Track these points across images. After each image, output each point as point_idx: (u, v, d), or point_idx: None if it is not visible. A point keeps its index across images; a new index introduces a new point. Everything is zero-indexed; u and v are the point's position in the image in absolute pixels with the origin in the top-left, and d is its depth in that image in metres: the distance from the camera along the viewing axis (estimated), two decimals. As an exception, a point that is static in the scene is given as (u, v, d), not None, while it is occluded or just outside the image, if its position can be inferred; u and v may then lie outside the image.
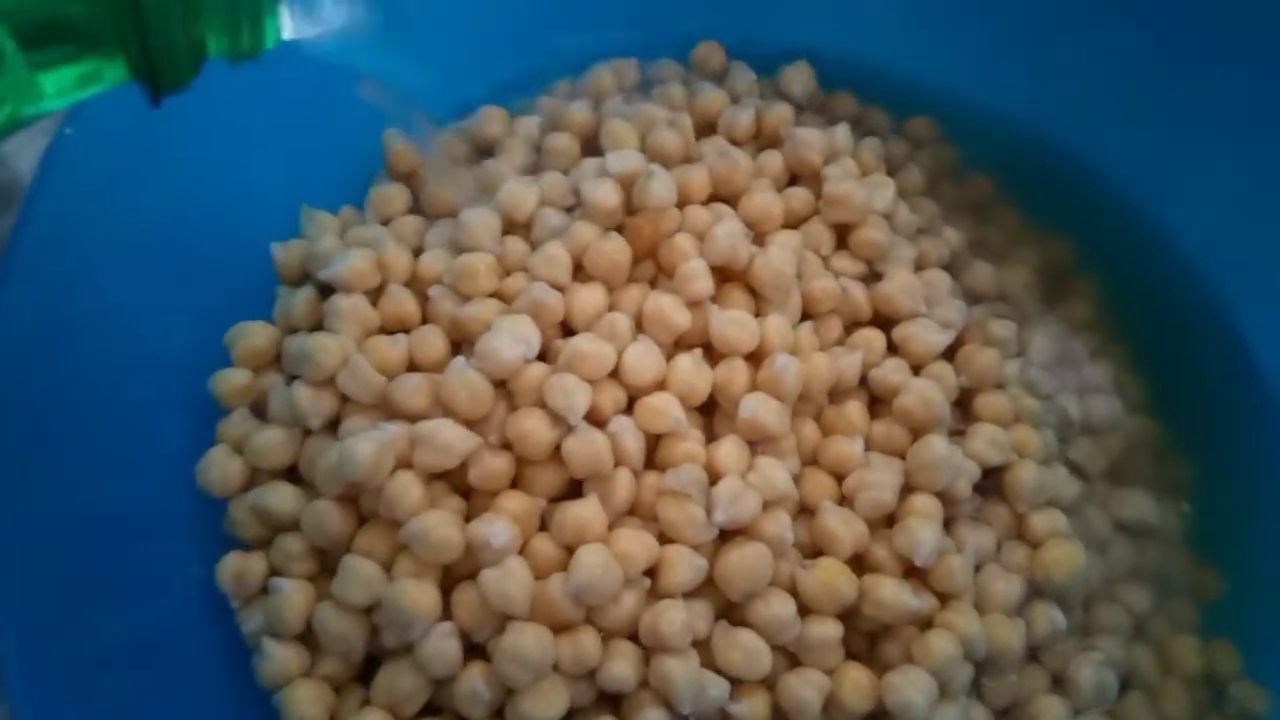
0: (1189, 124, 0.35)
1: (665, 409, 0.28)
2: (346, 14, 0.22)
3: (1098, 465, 0.32)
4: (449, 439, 0.26)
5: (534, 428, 0.27)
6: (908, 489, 0.29)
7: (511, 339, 0.27)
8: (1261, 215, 0.34)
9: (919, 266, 0.33)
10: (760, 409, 0.28)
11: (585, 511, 0.26)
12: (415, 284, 0.30)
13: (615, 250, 0.29)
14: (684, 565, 0.26)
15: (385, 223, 0.32)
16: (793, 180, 0.34)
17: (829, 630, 0.27)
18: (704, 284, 0.29)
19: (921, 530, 0.27)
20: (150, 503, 0.28)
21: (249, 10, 0.20)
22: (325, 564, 0.28)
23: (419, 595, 0.26)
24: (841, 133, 0.34)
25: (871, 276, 0.32)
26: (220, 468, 0.28)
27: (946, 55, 0.38)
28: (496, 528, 0.26)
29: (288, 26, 0.21)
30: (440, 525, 0.26)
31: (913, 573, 0.28)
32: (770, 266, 0.29)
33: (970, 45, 0.38)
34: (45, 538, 0.27)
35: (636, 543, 0.26)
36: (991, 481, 0.30)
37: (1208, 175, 0.34)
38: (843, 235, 0.32)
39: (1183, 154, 0.35)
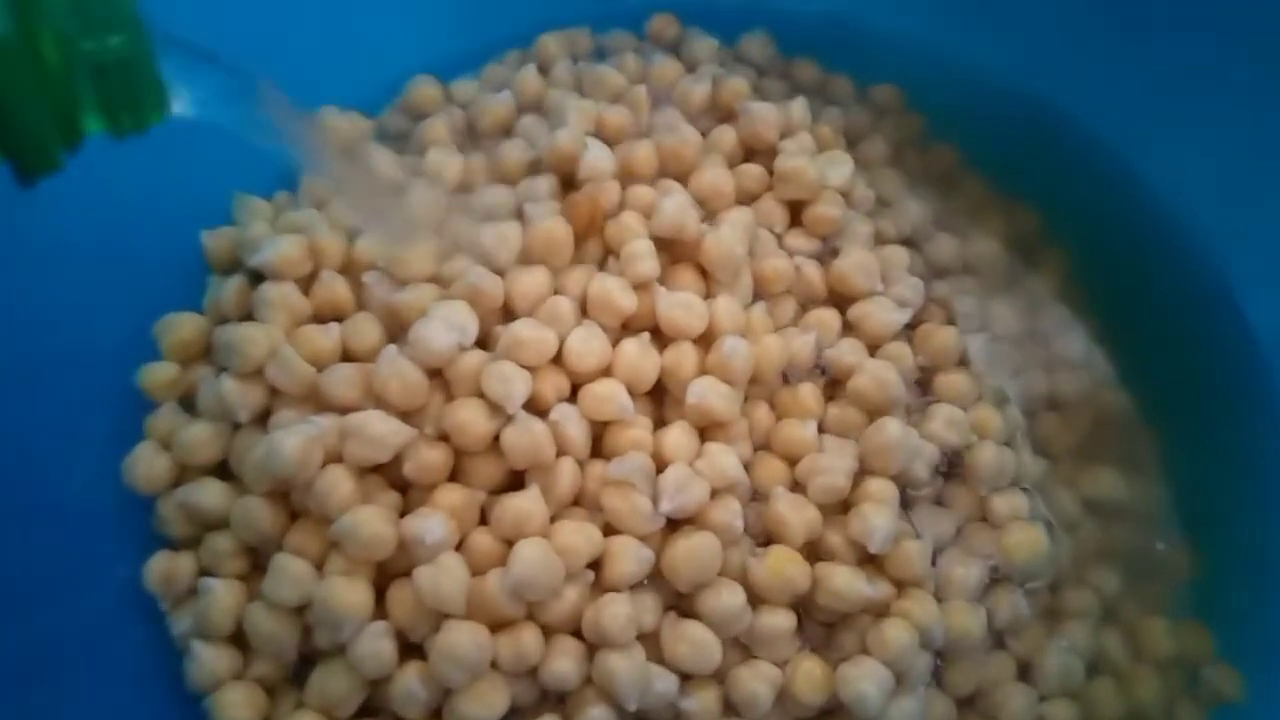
0: (1172, 75, 0.33)
1: (610, 396, 0.26)
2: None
3: (1065, 442, 0.31)
4: (380, 431, 0.25)
5: (471, 418, 0.26)
6: (863, 473, 0.28)
7: (444, 326, 0.26)
8: (1249, 171, 0.32)
9: (878, 242, 0.32)
10: (709, 393, 0.27)
11: (525, 504, 0.25)
12: (350, 270, 0.29)
13: (554, 229, 0.28)
14: (629, 557, 0.25)
15: (319, 207, 0.31)
16: (748, 155, 0.33)
17: (781, 621, 0.26)
18: (649, 264, 0.28)
19: (876, 517, 0.26)
20: (75, 501, 0.27)
21: (126, 92, 0.18)
22: (256, 562, 0.27)
23: (350, 594, 0.25)
24: (798, 107, 0.33)
25: (827, 253, 0.31)
26: (147, 464, 0.27)
27: (915, 5, 0.36)
28: (431, 523, 0.25)
29: (176, 102, 0.20)
30: (372, 521, 0.25)
31: (869, 560, 0.27)
32: (720, 245, 0.28)
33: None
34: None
35: (579, 535, 0.25)
36: (953, 462, 0.29)
37: (1192, 129, 0.33)
38: (797, 212, 0.31)
39: (1166, 107, 0.33)
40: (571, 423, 0.26)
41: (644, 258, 0.28)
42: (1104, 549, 0.30)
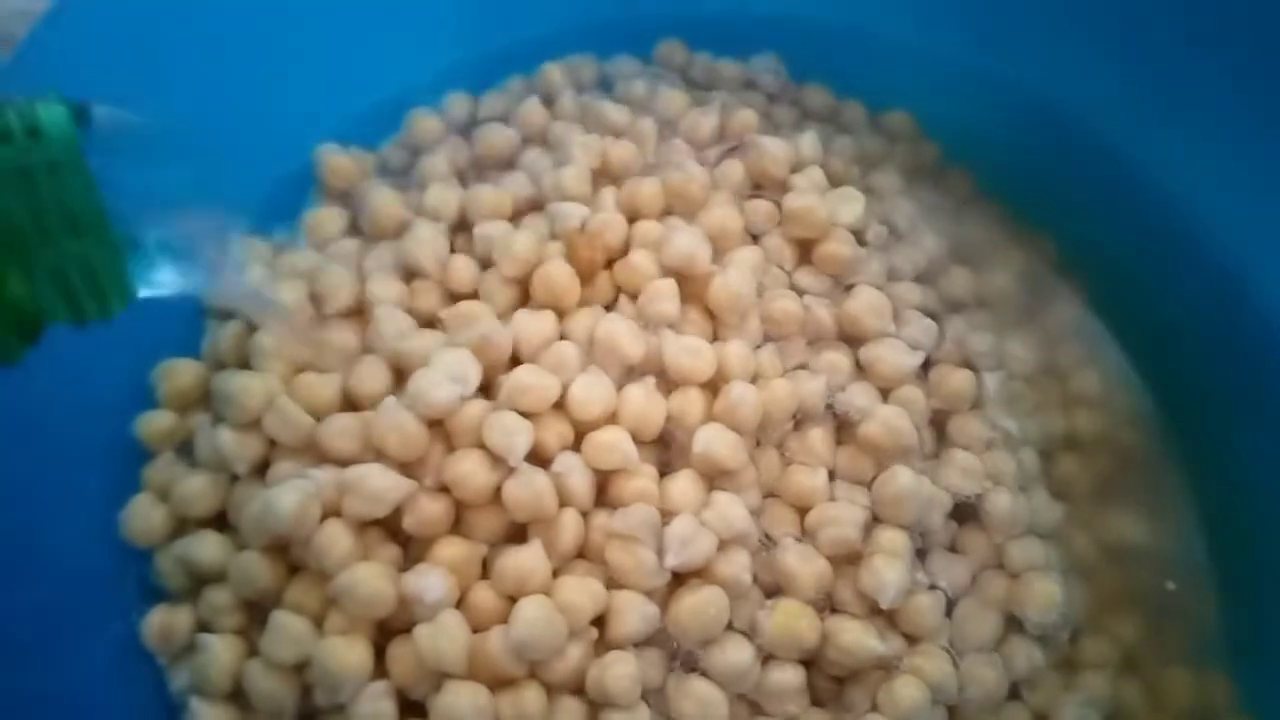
0: (1203, 95, 0.32)
1: (615, 445, 0.26)
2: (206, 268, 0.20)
3: (1084, 484, 0.30)
4: (379, 486, 0.25)
5: (472, 470, 0.25)
6: (875, 521, 0.27)
7: (446, 376, 0.26)
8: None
9: (890, 279, 0.31)
10: (715, 442, 0.26)
11: (527, 559, 0.25)
12: (356, 314, 0.29)
13: (555, 273, 0.28)
14: (633, 615, 0.25)
15: (320, 248, 0.30)
16: (757, 186, 0.32)
17: (790, 677, 0.25)
18: (671, 305, 0.28)
19: (887, 571, 0.25)
20: (72, 553, 0.27)
21: (89, 285, 0.18)
22: (256, 616, 0.26)
23: (348, 654, 0.24)
24: (808, 141, 0.32)
25: (839, 291, 0.30)
26: (144, 517, 0.27)
27: (933, 19, 0.36)
28: (430, 581, 0.24)
29: (141, 287, 0.19)
30: (371, 579, 0.24)
31: (880, 612, 0.26)
32: (728, 288, 0.28)
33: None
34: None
35: (582, 592, 0.24)
36: (968, 508, 0.28)
37: (1225, 149, 0.32)
38: (808, 248, 0.30)
39: (1197, 126, 0.32)
40: (575, 473, 0.25)
41: (666, 299, 0.28)
42: (1123, 595, 0.29)
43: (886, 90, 0.37)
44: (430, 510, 0.25)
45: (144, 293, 0.19)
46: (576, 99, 0.35)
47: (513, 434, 0.25)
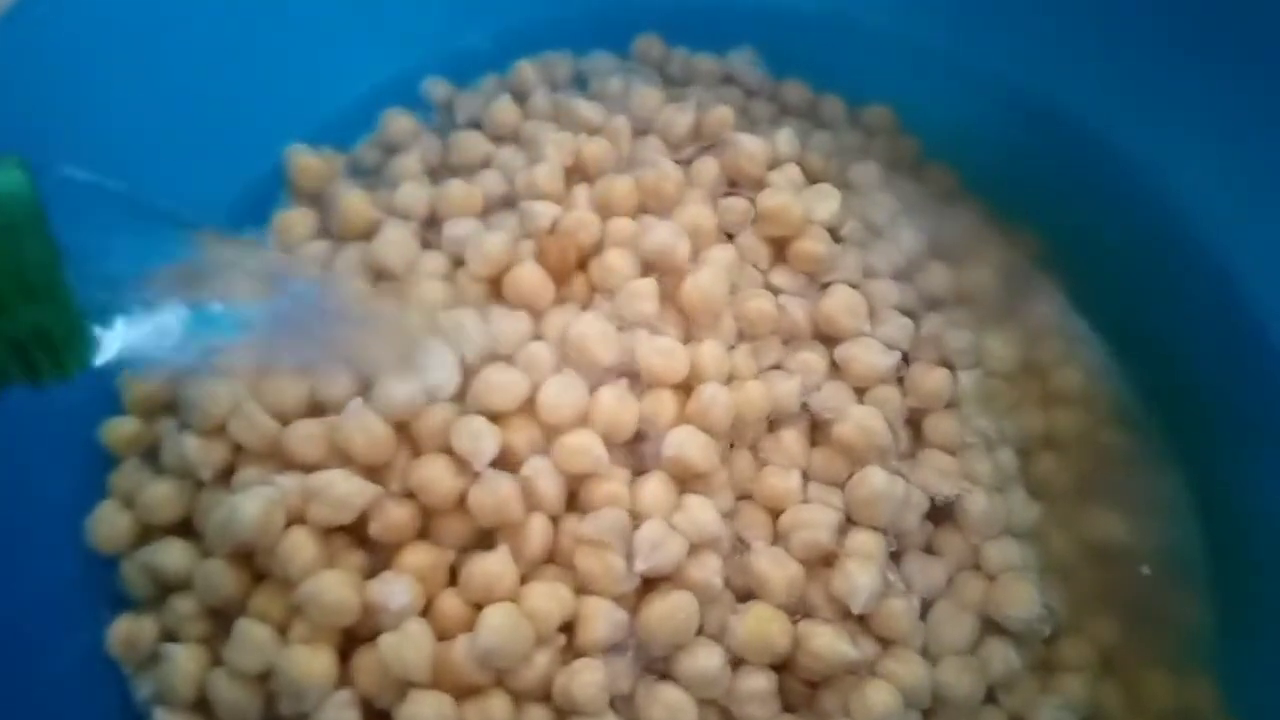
0: (1191, 84, 0.32)
1: (585, 449, 0.25)
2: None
3: (1063, 483, 0.30)
4: (344, 492, 0.25)
5: (437, 476, 0.25)
6: (849, 523, 0.27)
7: (423, 377, 0.25)
8: (1275, 187, 0.31)
9: (867, 276, 0.30)
10: (687, 444, 0.26)
11: (493, 566, 0.24)
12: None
13: (527, 274, 0.27)
14: (602, 621, 0.24)
15: (288, 250, 0.30)
16: (732, 183, 0.31)
17: (760, 683, 0.25)
18: (648, 305, 0.27)
19: (859, 575, 0.25)
20: (36, 562, 0.26)
21: (47, 350, 0.17)
22: (221, 624, 0.26)
23: (312, 663, 0.24)
24: (785, 138, 0.31)
25: (814, 290, 0.30)
26: (109, 524, 0.26)
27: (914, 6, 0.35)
28: (395, 588, 0.24)
29: (103, 348, 0.18)
30: (336, 587, 0.24)
31: (853, 615, 0.26)
32: (699, 288, 0.27)
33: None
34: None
35: (550, 599, 0.24)
36: (943, 508, 0.28)
37: (1213, 143, 0.32)
38: (783, 246, 0.30)
39: (1185, 118, 0.32)
40: (544, 477, 0.25)
41: (643, 298, 0.27)
42: (1102, 596, 0.28)
43: (866, 84, 0.36)
44: (396, 516, 0.25)
45: (101, 359, 0.18)
46: (550, 96, 0.34)
47: (479, 438, 0.25)
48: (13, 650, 0.26)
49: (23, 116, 0.27)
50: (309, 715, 0.24)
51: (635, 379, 0.27)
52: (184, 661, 0.25)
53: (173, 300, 0.19)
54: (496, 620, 0.23)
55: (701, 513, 0.25)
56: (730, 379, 0.27)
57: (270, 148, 0.33)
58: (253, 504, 0.24)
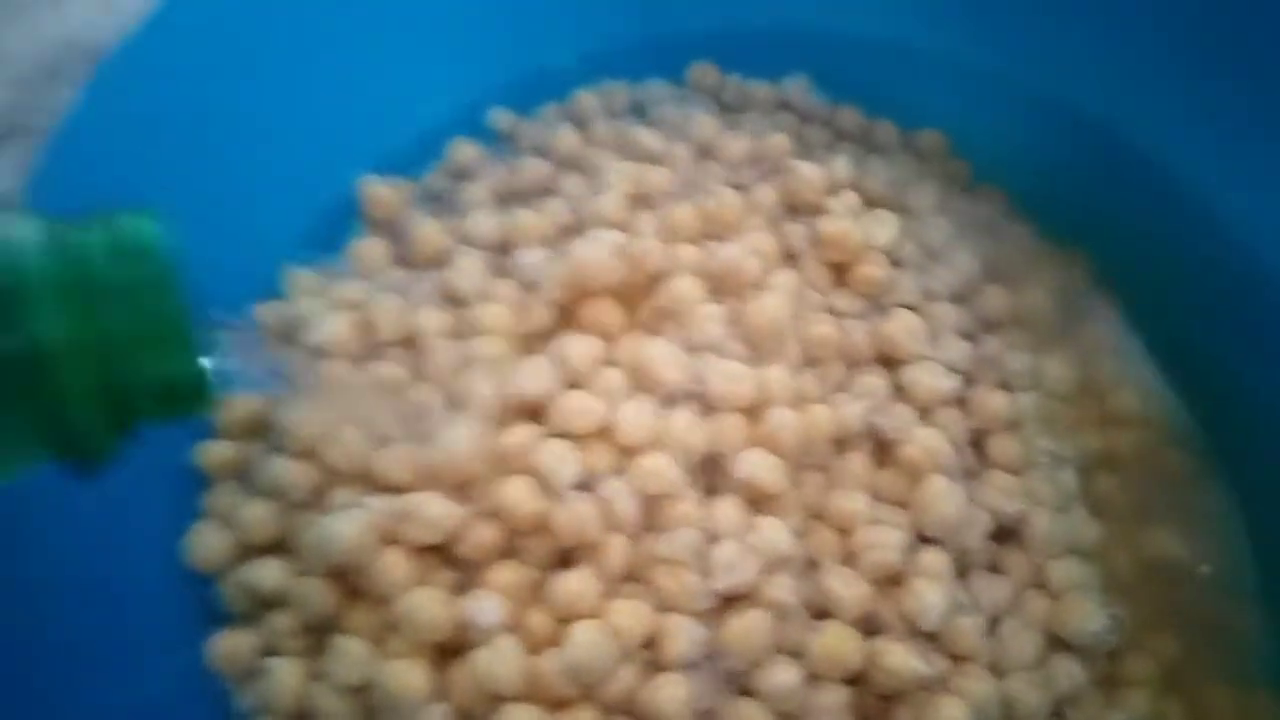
0: (1253, 107, 0.32)
1: (660, 471, 0.26)
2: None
3: (1123, 502, 0.30)
4: (435, 514, 0.26)
5: (521, 498, 0.26)
6: (917, 542, 0.27)
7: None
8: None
9: (925, 298, 0.31)
10: (758, 467, 0.27)
11: (576, 584, 0.25)
12: (405, 342, 0.30)
13: (602, 303, 0.28)
14: (682, 637, 0.25)
15: (369, 277, 0.31)
16: (790, 209, 0.32)
17: (836, 698, 0.26)
18: (716, 328, 0.28)
19: (929, 594, 0.26)
20: (136, 579, 0.28)
21: (176, 377, 0.18)
22: (317, 640, 0.27)
23: (410, 676, 0.25)
24: (842, 164, 0.32)
25: (875, 312, 0.31)
26: (207, 544, 0.28)
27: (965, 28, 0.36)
28: (485, 606, 0.25)
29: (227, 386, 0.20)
30: (429, 604, 0.25)
31: (924, 631, 0.27)
32: (766, 314, 0.28)
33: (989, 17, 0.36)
34: (29, 619, 0.26)
35: (632, 616, 0.25)
36: (1008, 528, 0.29)
37: (1261, 159, 0.32)
38: (842, 270, 0.31)
39: (1244, 140, 0.32)
40: (621, 498, 0.26)
41: (713, 322, 0.28)
42: (1164, 613, 0.29)
43: (916, 107, 0.37)
44: (483, 536, 0.26)
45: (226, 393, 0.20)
46: (611, 124, 0.35)
47: (562, 462, 0.26)
48: (115, 666, 0.27)
49: (115, 157, 0.29)
50: (406, 727, 0.25)
51: (704, 402, 0.28)
52: (285, 675, 0.26)
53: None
54: (583, 635, 0.24)
55: (774, 533, 0.26)
56: (797, 402, 0.28)
57: (337, 178, 0.34)
58: (347, 525, 0.25)
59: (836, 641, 0.26)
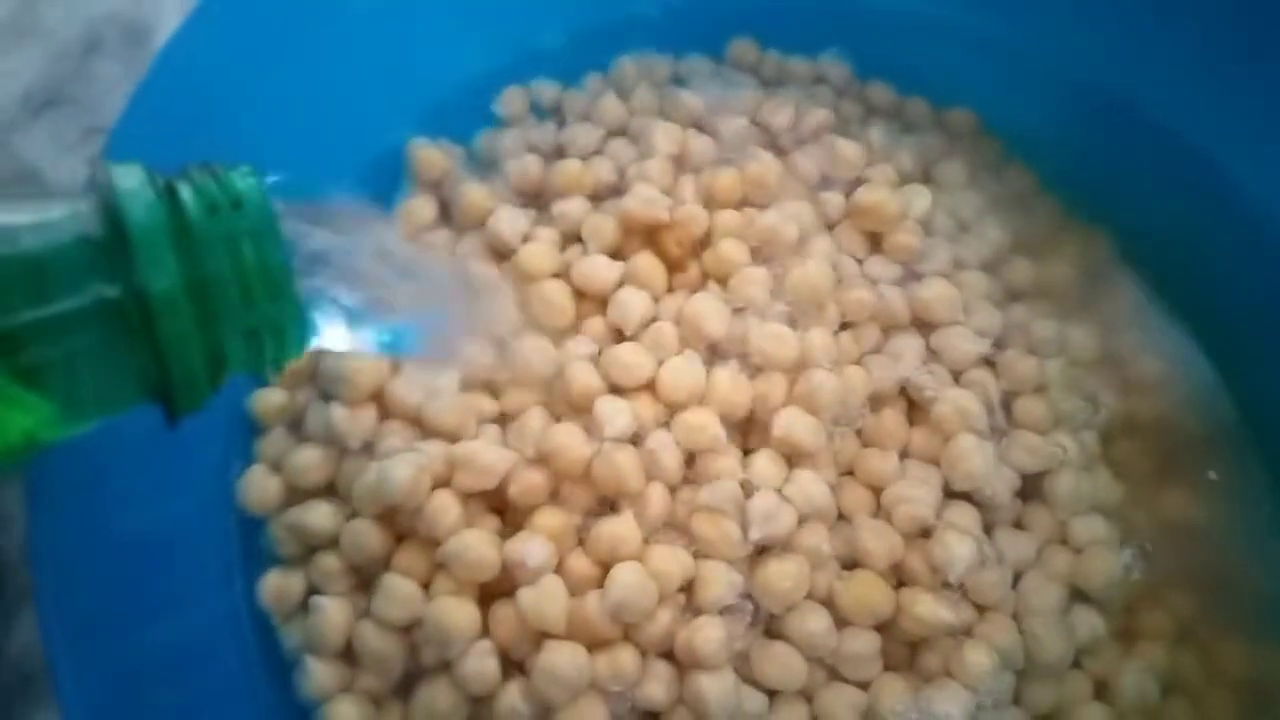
0: (1262, 77, 0.33)
1: (704, 426, 0.27)
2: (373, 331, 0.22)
3: (1143, 465, 0.31)
4: (489, 460, 0.27)
5: (568, 443, 0.27)
6: (946, 497, 0.28)
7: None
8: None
9: (956, 267, 0.32)
10: (796, 425, 0.28)
11: (619, 528, 0.26)
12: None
13: (647, 264, 0.30)
14: (720, 583, 0.26)
15: (415, 236, 0.32)
16: (826, 178, 0.33)
17: (865, 643, 0.27)
18: (760, 290, 0.29)
19: (957, 546, 0.27)
20: (192, 519, 0.29)
21: (275, 339, 0.19)
22: (363, 580, 0.28)
23: (458, 613, 0.26)
24: (877, 136, 0.33)
25: (909, 278, 0.32)
26: (259, 487, 0.29)
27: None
28: (532, 547, 0.26)
29: (319, 336, 0.20)
30: (478, 544, 0.26)
31: (950, 583, 0.28)
32: (808, 279, 0.29)
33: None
34: (94, 553, 0.27)
35: (672, 560, 0.26)
36: (1033, 485, 0.30)
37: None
38: (877, 237, 0.32)
39: (1258, 113, 0.33)
40: (666, 451, 0.27)
41: (756, 284, 0.29)
42: (1180, 570, 0.30)
43: (947, 83, 0.38)
44: (531, 480, 0.27)
45: (316, 345, 0.20)
46: (654, 91, 0.36)
47: (616, 413, 0.27)
48: (170, 601, 0.28)
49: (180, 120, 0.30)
50: (451, 663, 0.26)
51: (744, 361, 0.29)
52: (333, 613, 0.27)
53: (353, 295, 0.21)
54: (625, 577, 0.25)
55: (811, 486, 0.27)
56: (835, 364, 0.29)
57: (384, 135, 0.35)
58: (403, 469, 0.26)
59: (866, 589, 0.27)
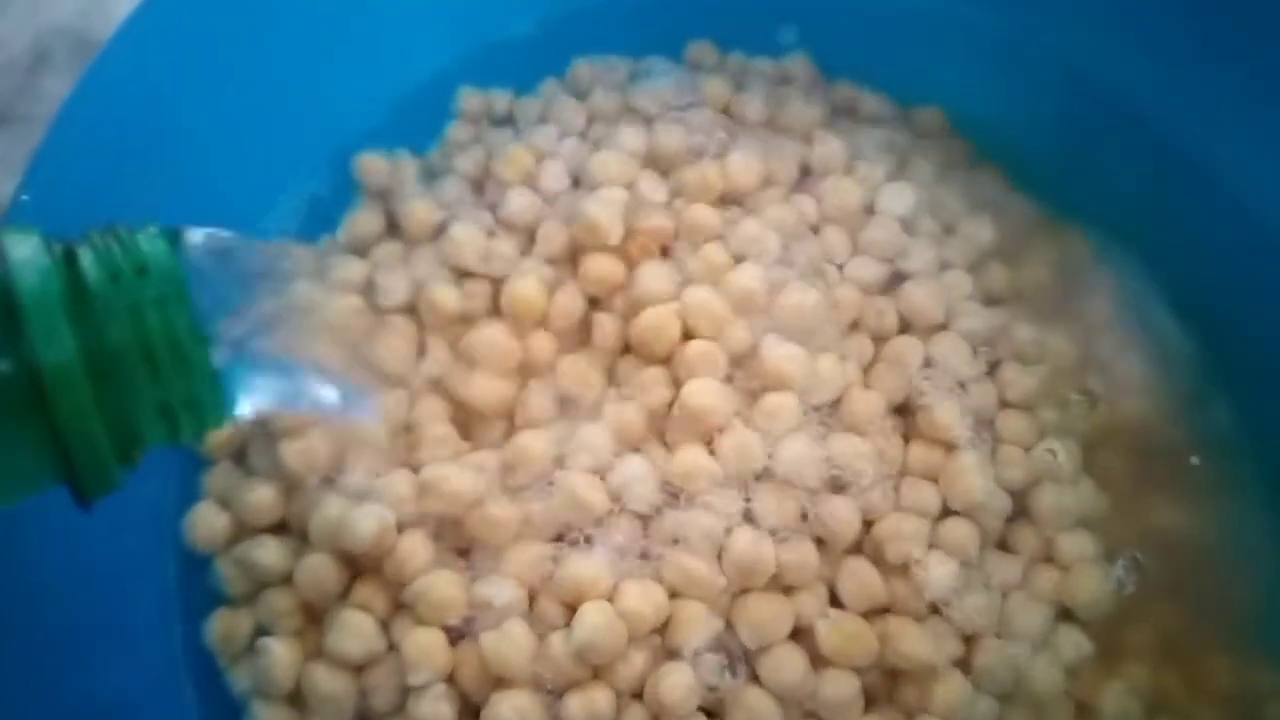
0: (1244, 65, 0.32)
1: (695, 466, 0.26)
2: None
3: (1128, 474, 0.30)
4: (458, 487, 0.25)
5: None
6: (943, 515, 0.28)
7: None
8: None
9: (942, 268, 0.31)
10: (799, 458, 0.26)
11: (587, 568, 0.25)
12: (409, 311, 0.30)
13: (602, 265, 0.29)
14: (696, 624, 0.25)
15: (362, 251, 0.31)
16: (801, 179, 0.32)
17: (846, 688, 0.25)
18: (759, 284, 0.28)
19: (938, 567, 0.26)
20: (131, 559, 0.27)
21: (190, 410, 0.18)
22: (313, 618, 0.27)
23: (431, 642, 0.25)
24: (841, 142, 0.32)
25: (893, 280, 0.31)
26: (207, 524, 0.27)
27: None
28: (500, 588, 0.25)
29: (241, 403, 0.19)
30: (444, 585, 0.25)
31: (935, 609, 0.26)
32: (804, 304, 0.28)
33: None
34: (15, 598, 0.25)
35: (644, 599, 0.25)
36: (1018, 502, 0.29)
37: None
38: (856, 238, 0.31)
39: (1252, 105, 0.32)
40: (639, 484, 0.26)
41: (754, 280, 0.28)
42: (1164, 582, 0.29)
43: (917, 78, 0.36)
44: (497, 514, 0.26)
45: (240, 413, 0.19)
46: (613, 94, 0.35)
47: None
48: (112, 642, 0.26)
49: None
50: (405, 707, 0.25)
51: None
52: (282, 654, 0.26)
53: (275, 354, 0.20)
54: (592, 618, 0.24)
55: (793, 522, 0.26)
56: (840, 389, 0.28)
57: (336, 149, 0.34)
58: (368, 524, 0.25)
59: (849, 637, 0.25)
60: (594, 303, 0.30)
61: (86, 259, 0.17)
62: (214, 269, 0.18)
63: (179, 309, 0.17)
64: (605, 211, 0.29)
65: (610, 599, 0.25)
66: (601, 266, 0.29)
